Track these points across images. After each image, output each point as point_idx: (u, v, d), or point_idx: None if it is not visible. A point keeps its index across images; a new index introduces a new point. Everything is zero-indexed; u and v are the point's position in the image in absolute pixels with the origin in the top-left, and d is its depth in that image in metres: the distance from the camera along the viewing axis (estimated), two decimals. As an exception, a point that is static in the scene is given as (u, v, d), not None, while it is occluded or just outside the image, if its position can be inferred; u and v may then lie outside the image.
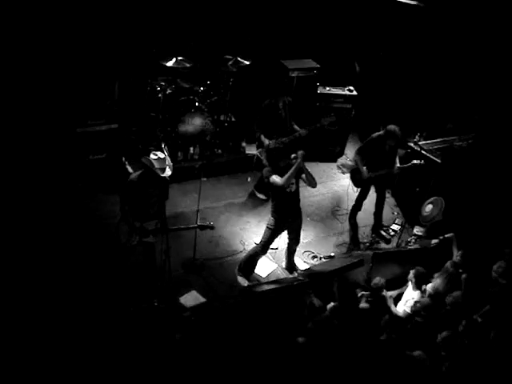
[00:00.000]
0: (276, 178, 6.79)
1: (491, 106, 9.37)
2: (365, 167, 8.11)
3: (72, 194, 8.33)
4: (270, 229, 7.18)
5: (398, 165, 8.07)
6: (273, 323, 6.31)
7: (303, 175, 6.98)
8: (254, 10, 10.11)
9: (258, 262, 7.52)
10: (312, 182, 7.02)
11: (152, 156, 6.30)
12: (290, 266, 7.82)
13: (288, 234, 7.51)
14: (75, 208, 8.14)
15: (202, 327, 6.53)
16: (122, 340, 6.13)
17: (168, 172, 6.41)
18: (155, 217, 6.60)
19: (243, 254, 7.73)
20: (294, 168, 6.74)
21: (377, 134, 8.10)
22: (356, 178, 8.38)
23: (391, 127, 7.86)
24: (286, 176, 6.73)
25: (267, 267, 7.74)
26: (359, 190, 8.48)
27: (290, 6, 10.38)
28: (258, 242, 7.92)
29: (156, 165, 6.25)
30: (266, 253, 7.47)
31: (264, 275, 7.61)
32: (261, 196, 8.99)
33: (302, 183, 7.07)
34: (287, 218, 7.18)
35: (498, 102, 9.20)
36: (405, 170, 8.08)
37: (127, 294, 6.68)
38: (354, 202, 8.60)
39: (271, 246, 7.56)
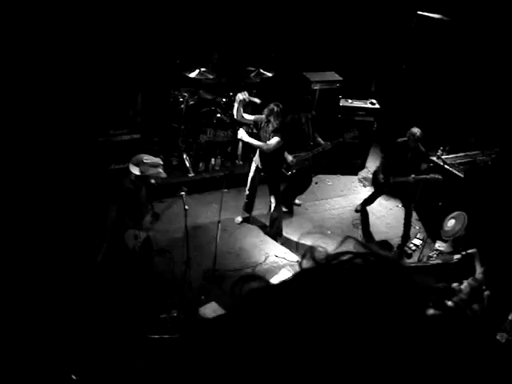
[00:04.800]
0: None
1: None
2: (382, 173, 8.37)
3: (93, 203, 8.36)
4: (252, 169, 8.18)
5: (413, 175, 8.10)
6: None
7: None
8: (278, 23, 10.15)
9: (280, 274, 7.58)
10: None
11: (145, 160, 6.20)
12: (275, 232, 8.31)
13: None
14: (96, 216, 8.17)
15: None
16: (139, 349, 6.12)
17: (163, 174, 6.38)
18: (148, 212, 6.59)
19: (263, 266, 7.75)
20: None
21: (401, 139, 8.17)
22: (375, 179, 8.71)
23: (412, 129, 8.02)
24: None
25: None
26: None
27: (313, 18, 10.40)
28: (278, 254, 7.97)
29: (151, 172, 6.21)
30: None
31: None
32: (282, 208, 8.99)
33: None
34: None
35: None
36: (420, 181, 8.08)
37: (147, 304, 6.68)
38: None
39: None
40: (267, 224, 8.61)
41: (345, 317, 0.75)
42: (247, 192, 8.35)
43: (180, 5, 9.38)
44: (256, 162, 8.05)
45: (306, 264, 0.80)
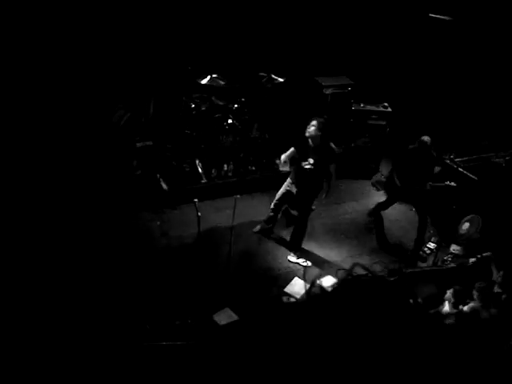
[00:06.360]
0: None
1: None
2: (397, 179, 8.28)
3: (104, 210, 8.37)
4: (285, 186, 8.02)
5: (431, 183, 8.04)
6: None
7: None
8: (289, 28, 10.15)
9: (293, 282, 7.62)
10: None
11: None
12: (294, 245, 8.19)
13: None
14: (106, 224, 8.17)
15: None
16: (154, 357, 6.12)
17: None
18: None
19: (277, 272, 7.74)
20: None
21: (412, 146, 8.12)
22: (388, 185, 8.80)
23: (423, 138, 7.99)
24: None
25: (300, 287, 7.66)
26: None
27: (324, 23, 10.41)
28: (292, 259, 7.95)
29: None
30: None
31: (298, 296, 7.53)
32: (294, 213, 8.96)
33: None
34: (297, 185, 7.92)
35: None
36: (437, 189, 8.02)
37: (162, 310, 6.68)
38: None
39: None
40: (279, 233, 8.60)
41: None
42: (273, 206, 8.23)
43: (192, 11, 9.41)
44: (292, 179, 7.97)
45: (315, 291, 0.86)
